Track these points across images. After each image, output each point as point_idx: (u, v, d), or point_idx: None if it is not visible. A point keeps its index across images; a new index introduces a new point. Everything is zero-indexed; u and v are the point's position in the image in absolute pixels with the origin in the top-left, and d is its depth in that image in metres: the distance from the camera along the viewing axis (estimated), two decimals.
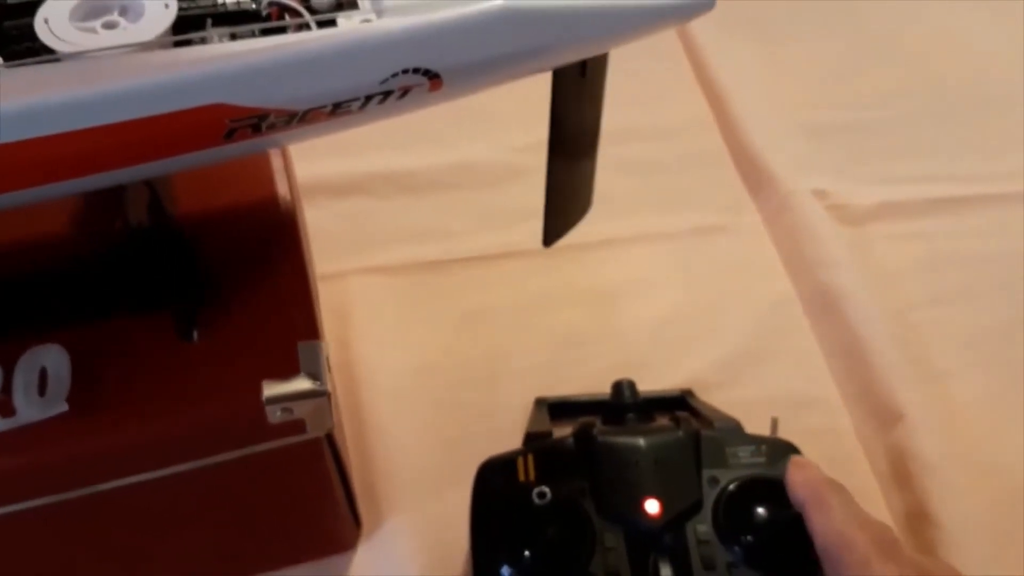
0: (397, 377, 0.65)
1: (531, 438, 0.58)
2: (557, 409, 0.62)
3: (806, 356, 0.67)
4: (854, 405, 0.64)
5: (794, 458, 0.48)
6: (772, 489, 0.48)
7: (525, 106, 0.76)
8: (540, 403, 0.63)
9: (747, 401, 0.61)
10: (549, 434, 0.58)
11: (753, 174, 0.76)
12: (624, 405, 0.59)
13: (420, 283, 0.70)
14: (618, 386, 0.60)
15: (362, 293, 0.69)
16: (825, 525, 0.43)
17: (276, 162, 0.51)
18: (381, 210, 0.74)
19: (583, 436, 0.53)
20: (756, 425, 0.54)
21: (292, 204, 0.49)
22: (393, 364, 0.66)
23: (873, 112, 0.83)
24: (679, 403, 0.62)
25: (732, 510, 0.48)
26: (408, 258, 0.71)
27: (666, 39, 0.48)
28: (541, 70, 0.42)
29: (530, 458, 0.51)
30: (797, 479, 0.46)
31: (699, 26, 0.86)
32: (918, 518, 0.58)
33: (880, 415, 0.62)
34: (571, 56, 0.42)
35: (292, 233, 0.48)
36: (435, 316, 0.69)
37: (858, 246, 0.71)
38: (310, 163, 0.65)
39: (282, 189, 0.50)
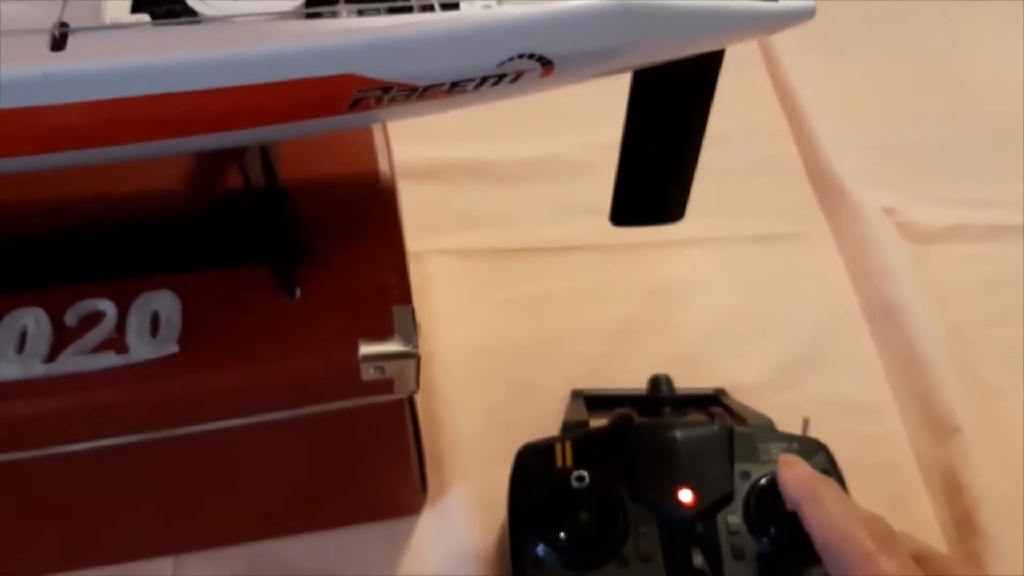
0: (461, 354, 0.68)
1: (569, 427, 0.60)
2: (593, 401, 0.64)
3: (864, 364, 0.69)
4: (909, 415, 0.65)
5: (783, 456, 0.49)
6: None
7: (600, 106, 0.78)
8: (576, 395, 0.65)
9: (795, 404, 0.63)
10: (586, 424, 0.60)
11: (824, 185, 0.78)
12: (660, 399, 0.61)
13: (488, 268, 0.73)
14: (655, 381, 0.62)
15: (434, 272, 0.72)
16: (822, 521, 0.44)
17: (379, 139, 0.53)
18: (456, 196, 0.77)
19: (620, 426, 0.55)
20: (811, 429, 0.56)
21: (392, 178, 0.52)
22: (458, 341, 0.68)
23: (940, 134, 0.84)
24: (712, 401, 0.64)
25: (763, 503, 0.51)
26: (478, 243, 0.74)
27: (746, 47, 0.50)
28: (647, 64, 0.44)
29: (567, 444, 0.54)
30: (789, 477, 0.47)
31: (778, 37, 0.87)
32: (965, 527, 0.59)
33: (935, 426, 0.63)
34: (682, 52, 0.44)
35: (391, 205, 0.51)
36: (500, 300, 0.71)
37: (922, 263, 0.72)
38: (393, 148, 0.68)
39: (383, 164, 0.52)
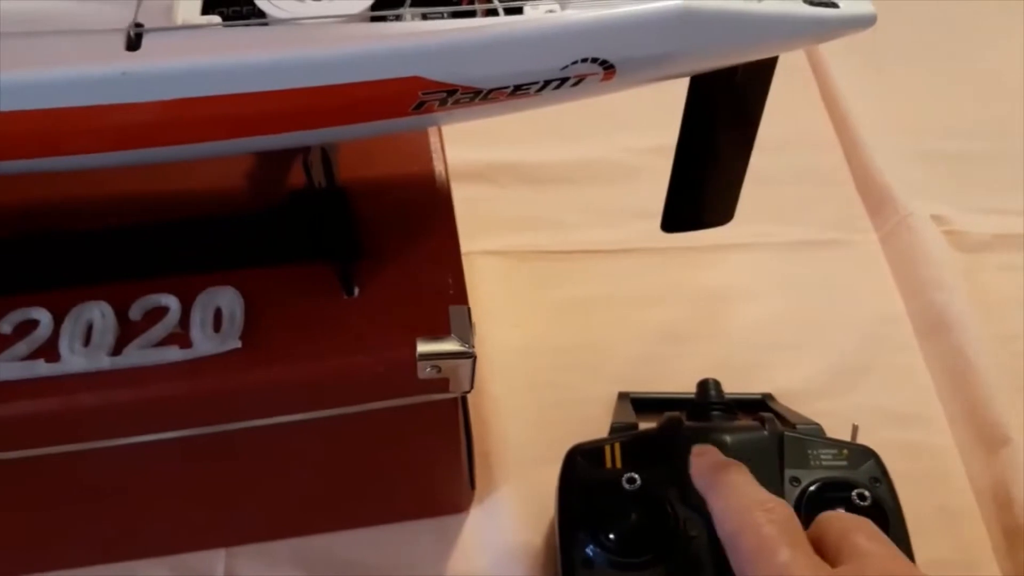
0: (507, 354, 0.68)
1: (617, 429, 0.60)
2: (639, 404, 0.64)
3: (912, 374, 0.68)
4: (959, 425, 0.65)
5: (695, 446, 0.48)
6: (851, 491, 0.51)
7: (648, 110, 0.79)
8: (623, 397, 0.65)
9: (843, 411, 0.63)
10: (635, 426, 0.60)
11: (872, 193, 0.78)
12: (709, 403, 0.61)
13: (534, 270, 0.74)
14: (704, 384, 0.62)
15: (481, 273, 0.72)
16: (721, 510, 0.43)
17: (434, 141, 0.54)
18: (503, 198, 0.78)
19: (670, 429, 0.56)
20: (859, 438, 0.56)
21: (446, 180, 0.53)
22: (505, 342, 0.69)
23: (989, 142, 0.83)
24: (761, 406, 0.64)
25: (813, 509, 0.50)
26: (525, 245, 0.75)
27: (793, 55, 0.50)
28: (706, 70, 0.45)
29: (617, 446, 0.54)
30: (696, 465, 0.47)
31: (825, 45, 0.87)
32: (1015, 539, 0.59)
33: (985, 437, 0.63)
34: (740, 58, 0.44)
35: (446, 206, 0.51)
36: (546, 301, 0.72)
37: (971, 272, 0.72)
38: None
39: (438, 166, 0.53)
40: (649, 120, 0.79)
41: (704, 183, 0.55)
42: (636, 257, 0.73)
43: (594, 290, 0.72)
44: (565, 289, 0.72)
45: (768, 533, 0.40)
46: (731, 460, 0.47)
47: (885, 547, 0.42)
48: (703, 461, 0.47)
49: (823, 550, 0.41)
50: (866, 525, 0.43)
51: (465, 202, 0.76)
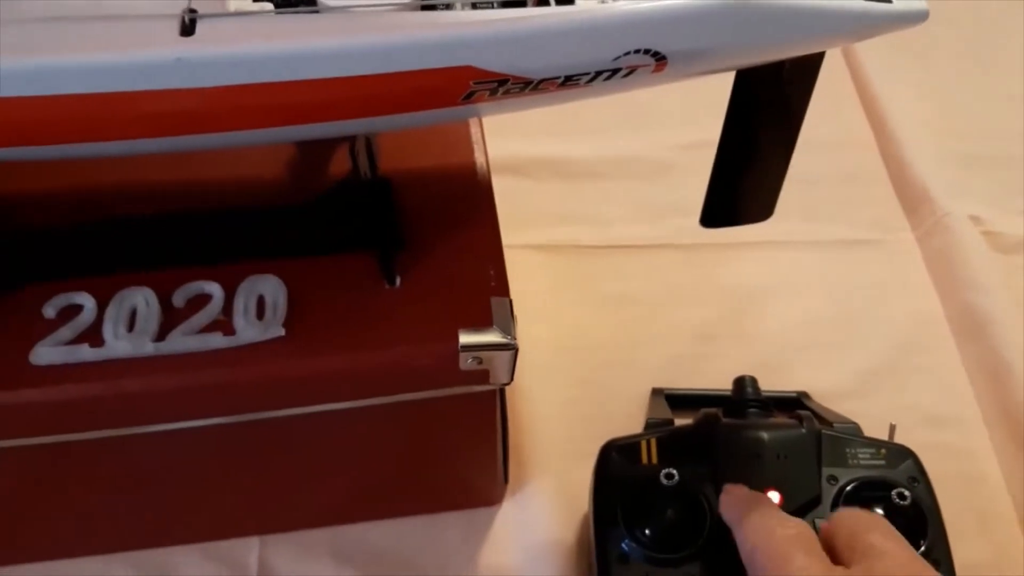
0: (542, 348, 0.68)
1: (653, 425, 0.60)
2: (674, 400, 0.64)
3: (948, 374, 0.68)
4: (995, 427, 0.64)
5: (726, 484, 0.49)
6: (890, 491, 0.51)
7: (686, 106, 0.79)
8: (657, 393, 0.65)
9: (878, 411, 0.62)
10: (670, 422, 0.60)
11: (909, 193, 0.77)
12: (745, 400, 0.61)
13: (570, 264, 0.73)
14: (740, 381, 0.62)
15: (516, 267, 0.72)
16: (743, 533, 0.44)
17: (475, 133, 0.54)
18: (540, 192, 0.78)
19: (707, 425, 0.55)
20: (895, 439, 0.56)
21: (487, 172, 0.52)
22: (539, 336, 0.69)
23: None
24: (796, 404, 0.64)
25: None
26: (561, 240, 0.75)
27: (831, 54, 0.50)
28: (756, 63, 0.44)
29: (653, 442, 0.54)
30: (725, 501, 0.48)
31: (863, 43, 0.87)
32: None
33: (1022, 440, 0.62)
34: (791, 52, 0.44)
35: (487, 198, 0.51)
36: (580, 296, 0.72)
37: (1009, 273, 0.71)
38: None
39: (480, 157, 0.53)
40: (686, 116, 0.78)
41: (745, 179, 0.54)
42: (672, 253, 0.73)
43: (629, 286, 0.72)
44: (600, 284, 0.72)
45: (783, 542, 0.42)
46: (758, 494, 0.48)
47: (898, 546, 0.42)
48: (731, 496, 0.48)
49: (836, 548, 0.42)
50: (880, 524, 0.43)
51: (501, 195, 0.76)
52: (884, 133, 0.82)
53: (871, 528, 0.43)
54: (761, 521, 0.44)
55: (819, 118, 0.84)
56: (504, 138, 0.76)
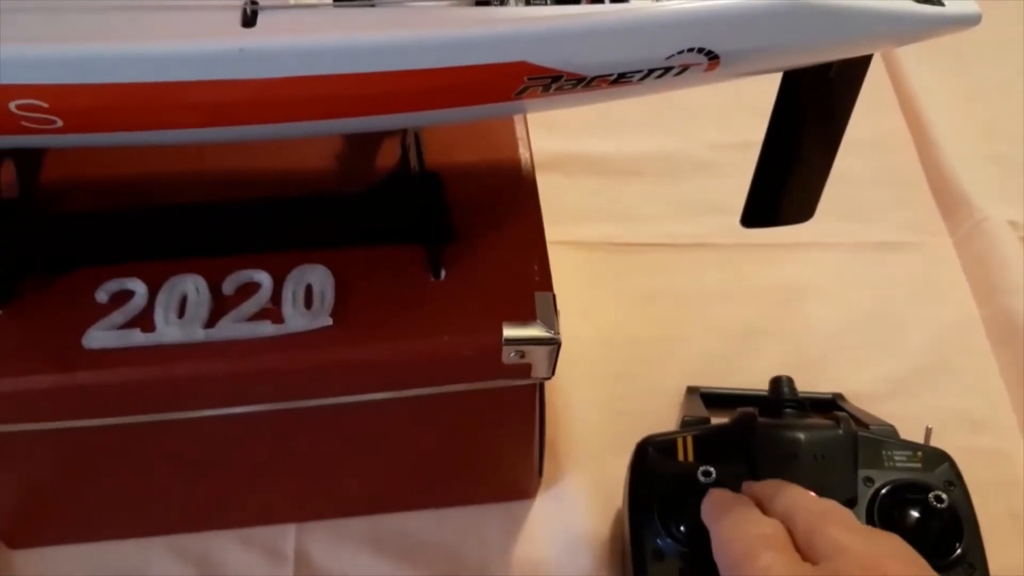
0: (579, 344, 0.68)
1: (689, 422, 0.60)
2: (709, 399, 0.64)
3: (984, 378, 0.68)
4: None
5: (710, 490, 0.49)
6: (926, 494, 0.50)
7: (726, 106, 0.79)
8: (692, 391, 0.65)
9: (914, 414, 0.62)
10: (707, 420, 0.60)
11: (947, 196, 0.77)
12: (782, 400, 0.61)
13: (607, 260, 0.74)
14: (777, 381, 0.62)
15: (553, 263, 0.72)
16: (715, 534, 0.44)
17: (519, 129, 0.54)
18: (577, 189, 0.78)
19: (744, 425, 0.55)
20: (931, 441, 0.56)
21: (531, 168, 0.53)
22: (576, 332, 0.69)
23: None
24: (831, 406, 0.64)
25: (886, 510, 0.51)
26: (598, 236, 0.75)
27: None
28: (807, 64, 0.45)
29: (690, 440, 0.55)
30: (704, 505, 0.48)
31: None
32: None
33: None
34: (842, 53, 0.44)
35: (531, 193, 0.52)
36: (617, 293, 0.72)
37: None
38: None
39: (524, 153, 0.53)
40: (725, 116, 0.79)
41: (787, 180, 0.54)
42: (709, 252, 0.73)
43: (666, 283, 0.72)
44: (637, 281, 0.72)
45: (751, 540, 0.42)
46: (739, 496, 0.48)
47: (860, 538, 0.41)
48: (711, 499, 0.48)
49: (796, 542, 0.42)
50: (836, 511, 0.43)
51: (539, 191, 0.77)
52: (922, 134, 0.82)
53: (829, 518, 0.42)
54: (733, 520, 0.44)
55: (856, 118, 0.83)
56: (544, 134, 0.77)
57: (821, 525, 0.42)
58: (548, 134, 0.78)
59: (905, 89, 0.85)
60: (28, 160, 0.49)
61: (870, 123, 0.82)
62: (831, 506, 0.44)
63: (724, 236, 0.73)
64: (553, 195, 0.76)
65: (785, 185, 0.54)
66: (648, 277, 0.73)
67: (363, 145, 0.51)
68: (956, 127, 0.82)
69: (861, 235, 0.75)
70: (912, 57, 0.87)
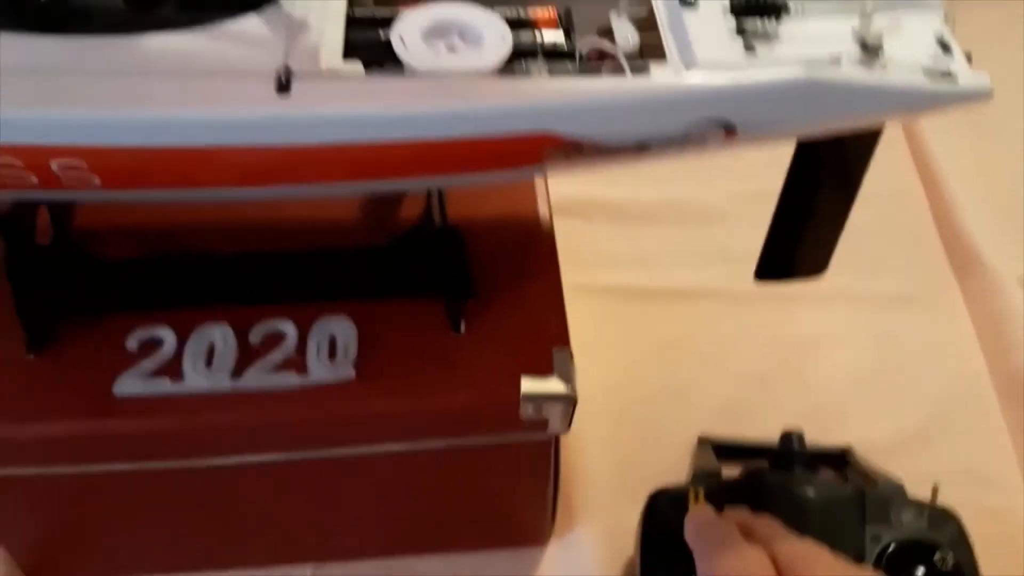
0: (591, 390, 0.69)
1: (700, 475, 0.61)
2: (720, 450, 0.65)
3: (992, 436, 0.68)
4: None
5: (691, 510, 0.50)
6: (932, 553, 0.51)
7: (744, 155, 0.79)
8: (703, 442, 0.66)
9: (922, 469, 0.63)
10: (718, 473, 0.61)
11: (958, 252, 0.78)
12: (792, 454, 0.62)
13: (621, 307, 0.75)
14: (787, 436, 0.63)
15: (569, 307, 0.73)
16: (698, 560, 0.45)
17: (538, 183, 0.56)
18: (591, 233, 0.79)
19: (753, 479, 0.56)
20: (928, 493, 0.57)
21: (550, 222, 0.54)
22: (588, 377, 0.70)
23: None
24: (842, 460, 0.64)
25: (892, 569, 0.52)
26: (612, 282, 0.76)
27: None
28: (821, 134, 0.46)
29: (701, 493, 0.55)
30: (687, 526, 0.48)
31: None
32: None
33: None
34: (854, 124, 0.45)
35: (550, 247, 0.53)
36: (630, 339, 0.73)
37: None
38: None
39: (543, 208, 0.55)
40: (741, 165, 0.79)
41: (801, 236, 0.55)
42: (722, 300, 0.74)
43: (678, 331, 0.73)
44: (650, 328, 0.73)
45: (740, 566, 0.43)
46: (721, 520, 0.48)
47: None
48: (694, 521, 0.49)
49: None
50: (820, 553, 0.44)
51: (557, 234, 0.78)
52: (934, 188, 0.83)
53: (810, 560, 0.44)
54: (718, 547, 0.45)
55: (869, 171, 0.85)
56: (563, 178, 0.78)
57: (804, 564, 0.43)
58: (568, 178, 0.79)
59: (918, 143, 0.86)
60: (61, 206, 0.50)
61: (883, 176, 0.81)
62: (813, 548, 0.45)
63: (738, 285, 0.74)
64: (571, 239, 0.78)
65: (799, 241, 0.56)
66: (662, 324, 0.74)
67: (387, 199, 0.53)
68: (968, 182, 0.83)
69: (873, 288, 0.76)
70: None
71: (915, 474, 0.59)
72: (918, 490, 0.57)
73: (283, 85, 0.39)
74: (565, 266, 0.75)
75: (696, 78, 0.41)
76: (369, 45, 0.43)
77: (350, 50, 0.42)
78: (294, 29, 0.41)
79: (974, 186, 0.82)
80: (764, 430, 0.65)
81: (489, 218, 0.54)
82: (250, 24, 0.41)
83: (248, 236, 0.51)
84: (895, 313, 0.75)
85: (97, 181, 0.40)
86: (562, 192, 0.79)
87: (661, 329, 0.73)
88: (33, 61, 0.39)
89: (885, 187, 0.82)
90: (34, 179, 0.40)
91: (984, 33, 0.90)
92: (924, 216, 0.82)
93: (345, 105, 0.39)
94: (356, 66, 0.41)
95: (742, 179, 0.79)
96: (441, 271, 0.49)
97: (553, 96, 0.40)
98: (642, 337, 0.73)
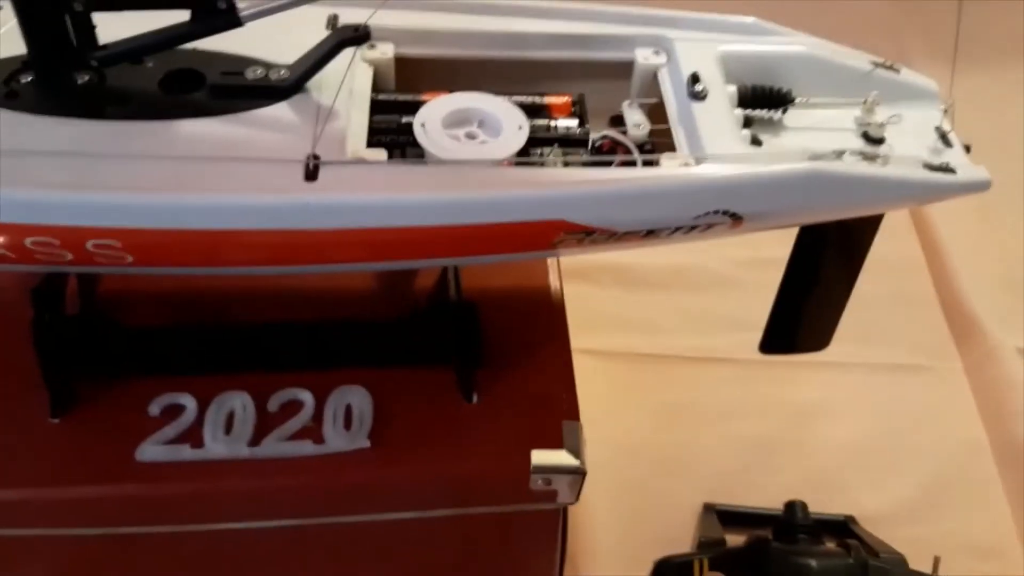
0: (597, 452, 0.70)
1: (705, 543, 0.62)
2: (725, 516, 0.66)
3: (991, 503, 0.70)
4: None
5: None
6: None
7: None
8: (709, 509, 0.67)
9: (923, 539, 0.64)
10: (722, 541, 0.62)
11: (959, 322, 0.79)
12: (795, 524, 0.63)
13: (627, 371, 0.76)
14: (791, 506, 0.64)
15: (577, 371, 0.75)
16: None
17: (550, 258, 0.57)
18: (600, 298, 0.81)
19: (758, 548, 0.57)
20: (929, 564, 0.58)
21: (561, 295, 0.56)
22: (594, 440, 0.71)
23: None
24: (845, 529, 0.66)
25: None
26: (619, 346, 0.78)
27: None
28: (828, 220, 0.47)
29: (705, 563, 0.57)
30: None
31: None
32: None
33: None
34: (856, 213, 0.47)
35: (560, 320, 0.54)
36: (636, 403, 0.75)
37: None
38: None
39: (554, 281, 0.56)
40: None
41: (806, 313, 0.57)
42: (727, 367, 0.76)
43: (684, 396, 0.75)
44: (657, 392, 0.75)
45: None
46: None
47: None
48: None
49: None
50: None
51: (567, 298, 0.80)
52: (936, 258, 0.84)
53: None
54: None
55: (875, 240, 0.87)
56: None
57: None
58: None
59: (921, 213, 0.88)
60: (89, 275, 0.52)
61: (885, 245, 0.84)
62: None
63: (743, 352, 0.75)
64: (579, 303, 0.79)
65: (803, 318, 0.57)
66: (668, 389, 0.75)
67: (403, 274, 0.54)
68: (970, 253, 0.84)
69: (874, 357, 0.77)
70: None
71: (916, 544, 0.61)
72: (920, 559, 0.59)
73: (311, 173, 0.41)
74: (573, 330, 0.77)
75: (705, 171, 0.43)
76: (392, 130, 0.45)
77: (374, 133, 0.44)
78: (321, 116, 0.43)
79: (976, 256, 0.84)
80: (768, 495, 0.66)
81: (502, 289, 0.55)
82: (279, 112, 0.43)
83: (268, 305, 0.52)
84: (897, 381, 0.76)
85: (129, 259, 0.42)
86: (571, 256, 0.81)
87: (667, 393, 0.75)
88: (71, 145, 0.41)
89: (888, 256, 0.83)
90: (69, 256, 0.42)
91: (986, 103, 0.93)
92: (926, 286, 0.84)
93: (369, 193, 0.41)
94: (380, 153, 0.43)
95: (750, 246, 0.81)
96: (456, 343, 0.50)
97: (566, 186, 0.42)
98: (648, 400, 0.75)
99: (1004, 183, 0.90)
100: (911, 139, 0.47)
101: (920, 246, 0.86)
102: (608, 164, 0.44)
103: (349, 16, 0.47)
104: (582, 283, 0.81)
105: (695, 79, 0.47)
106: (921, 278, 0.84)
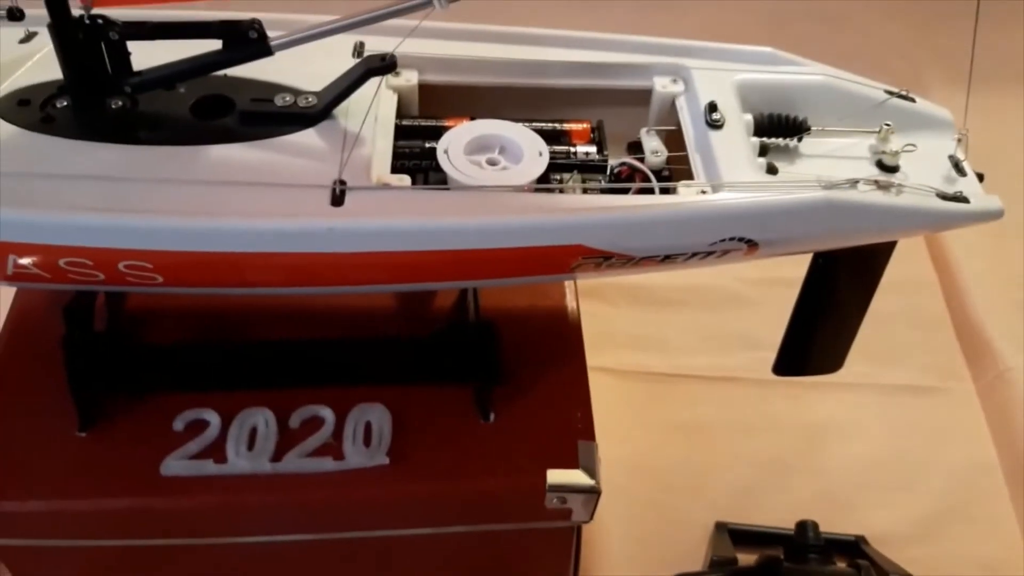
0: (612, 470, 0.71)
1: (717, 563, 0.63)
2: (737, 535, 0.67)
3: (1001, 524, 0.70)
4: None
5: None
6: None
7: None
8: (720, 527, 0.68)
9: (933, 559, 0.65)
10: (734, 560, 0.63)
11: (972, 343, 0.80)
12: (807, 544, 0.63)
13: (641, 389, 0.77)
14: (803, 526, 0.65)
15: (591, 388, 0.76)
16: None
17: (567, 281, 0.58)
18: (615, 317, 0.82)
19: (769, 568, 0.58)
20: None
21: (578, 315, 0.57)
22: (610, 457, 0.72)
23: None
24: (855, 548, 0.66)
25: None
26: (634, 365, 0.79)
27: None
28: (840, 247, 0.48)
29: None
30: None
31: None
32: None
33: None
34: (870, 240, 0.48)
35: (577, 341, 0.55)
36: (651, 422, 0.75)
37: None
38: None
39: (571, 302, 0.57)
40: None
41: (819, 336, 0.58)
42: (740, 386, 0.77)
43: (697, 415, 0.75)
44: (669, 411, 0.76)
45: None
46: None
47: None
48: None
49: None
50: None
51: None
52: (950, 280, 0.85)
53: None
54: None
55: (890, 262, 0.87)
56: None
57: None
58: None
59: (934, 235, 0.88)
60: (117, 293, 0.53)
61: (899, 267, 0.84)
62: None
63: (755, 371, 0.76)
64: (593, 322, 0.80)
65: (816, 341, 0.58)
66: (681, 408, 0.76)
67: (422, 294, 0.55)
68: (983, 274, 0.85)
69: (887, 377, 0.78)
70: None
71: (926, 564, 0.61)
72: None
73: (337, 198, 0.42)
74: (588, 348, 0.78)
75: (721, 198, 0.44)
76: (415, 154, 0.47)
77: (397, 158, 0.46)
78: (348, 142, 0.44)
79: (989, 278, 0.85)
80: (780, 514, 0.67)
81: (519, 309, 0.56)
82: (307, 138, 0.44)
83: (290, 324, 0.53)
84: (909, 402, 0.77)
85: (160, 279, 0.43)
86: None
87: (680, 412, 0.76)
88: (105, 169, 0.42)
89: (901, 278, 0.84)
90: (101, 276, 0.43)
91: (1001, 125, 0.93)
92: (939, 307, 0.84)
93: (393, 218, 0.42)
94: (404, 179, 0.44)
95: (764, 266, 0.81)
96: (474, 362, 0.51)
97: (585, 212, 0.43)
98: (662, 419, 0.76)
99: (1018, 206, 0.92)
100: (925, 168, 0.48)
101: (933, 268, 0.87)
102: (626, 191, 0.45)
103: (374, 43, 0.48)
104: (597, 302, 0.82)
105: (712, 108, 0.47)
106: (934, 299, 0.85)
